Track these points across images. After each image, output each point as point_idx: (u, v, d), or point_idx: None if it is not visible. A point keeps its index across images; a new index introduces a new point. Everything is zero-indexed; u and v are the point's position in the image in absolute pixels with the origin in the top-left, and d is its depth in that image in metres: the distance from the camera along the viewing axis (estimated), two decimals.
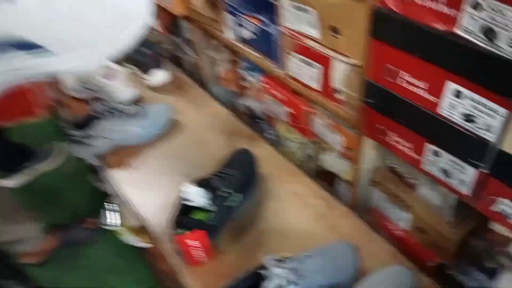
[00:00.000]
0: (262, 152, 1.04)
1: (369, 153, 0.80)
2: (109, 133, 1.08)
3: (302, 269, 0.70)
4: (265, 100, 1.08)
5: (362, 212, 0.92)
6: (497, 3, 0.41)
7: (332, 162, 0.99)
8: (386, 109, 0.64)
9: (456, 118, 0.53)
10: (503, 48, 0.43)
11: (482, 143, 0.51)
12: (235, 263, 0.81)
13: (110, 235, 1.37)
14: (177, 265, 0.83)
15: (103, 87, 1.20)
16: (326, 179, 1.06)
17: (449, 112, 0.53)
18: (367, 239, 0.82)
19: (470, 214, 0.72)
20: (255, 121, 1.28)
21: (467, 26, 0.46)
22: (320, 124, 0.92)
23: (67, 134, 1.06)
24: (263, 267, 0.69)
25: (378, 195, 0.85)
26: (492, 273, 0.68)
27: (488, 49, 0.45)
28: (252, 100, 1.20)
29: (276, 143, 1.19)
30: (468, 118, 0.51)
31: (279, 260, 0.70)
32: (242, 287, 0.69)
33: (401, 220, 0.82)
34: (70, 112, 1.27)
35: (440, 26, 0.49)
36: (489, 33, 0.44)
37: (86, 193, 1.58)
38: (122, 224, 1.35)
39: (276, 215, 0.90)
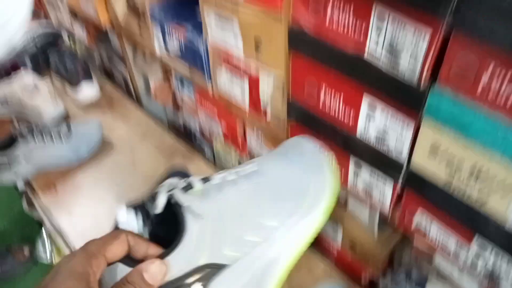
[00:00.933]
0: (200, 171, 1.01)
1: None
2: (34, 156, 1.00)
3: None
4: (199, 116, 1.05)
5: None
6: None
7: None
8: (309, 127, 0.63)
9: (371, 139, 0.53)
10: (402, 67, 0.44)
11: (394, 159, 0.51)
12: None
13: (43, 268, 1.27)
14: None
15: (25, 105, 1.12)
16: None
17: (364, 133, 0.53)
18: (303, 256, 0.81)
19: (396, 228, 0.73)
20: (191, 138, 1.24)
21: (373, 52, 0.46)
22: (254, 140, 0.90)
23: None
24: None
25: None
26: (422, 283, 0.69)
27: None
28: (187, 116, 1.17)
29: (215, 160, 1.16)
30: (381, 136, 0.51)
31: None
32: None
33: (334, 236, 0.82)
34: None
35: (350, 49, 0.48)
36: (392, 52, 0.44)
37: (15, 220, 1.46)
38: (55, 255, 1.26)
39: None
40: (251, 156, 0.98)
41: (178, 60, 0.93)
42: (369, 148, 0.54)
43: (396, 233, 0.72)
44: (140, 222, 0.74)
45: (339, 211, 0.78)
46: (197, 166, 1.02)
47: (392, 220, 0.60)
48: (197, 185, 0.41)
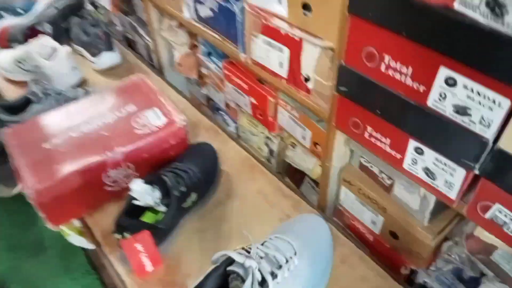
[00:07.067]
0: (224, 147, 0.94)
1: (340, 149, 0.72)
2: None
3: (277, 253, 0.57)
4: (226, 89, 0.98)
5: (330, 213, 0.85)
6: None
7: (299, 158, 0.90)
8: (363, 98, 0.56)
9: (447, 110, 0.45)
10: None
11: (476, 140, 0.44)
12: (189, 271, 0.71)
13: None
14: (119, 275, 0.72)
15: (42, 68, 1.06)
16: (293, 177, 0.97)
17: (439, 103, 0.45)
18: (335, 242, 0.74)
19: (446, 217, 0.66)
20: (215, 112, 1.17)
21: None
22: (286, 116, 0.83)
23: None
24: (230, 263, 0.54)
25: (348, 196, 0.78)
26: (472, 283, 0.62)
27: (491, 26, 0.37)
28: (212, 89, 1.09)
29: (239, 137, 1.09)
30: (462, 111, 0.44)
31: (246, 251, 0.55)
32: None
33: (372, 223, 0.75)
34: (2, 95, 1.12)
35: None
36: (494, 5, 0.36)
37: None
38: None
39: (238, 216, 0.81)
40: (280, 133, 0.91)
41: (208, 28, 0.86)
42: (442, 126, 0.46)
43: (446, 221, 0.65)
44: (157, 194, 0.68)
45: (379, 195, 0.71)
46: (221, 143, 0.95)
47: (458, 210, 0.52)
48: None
